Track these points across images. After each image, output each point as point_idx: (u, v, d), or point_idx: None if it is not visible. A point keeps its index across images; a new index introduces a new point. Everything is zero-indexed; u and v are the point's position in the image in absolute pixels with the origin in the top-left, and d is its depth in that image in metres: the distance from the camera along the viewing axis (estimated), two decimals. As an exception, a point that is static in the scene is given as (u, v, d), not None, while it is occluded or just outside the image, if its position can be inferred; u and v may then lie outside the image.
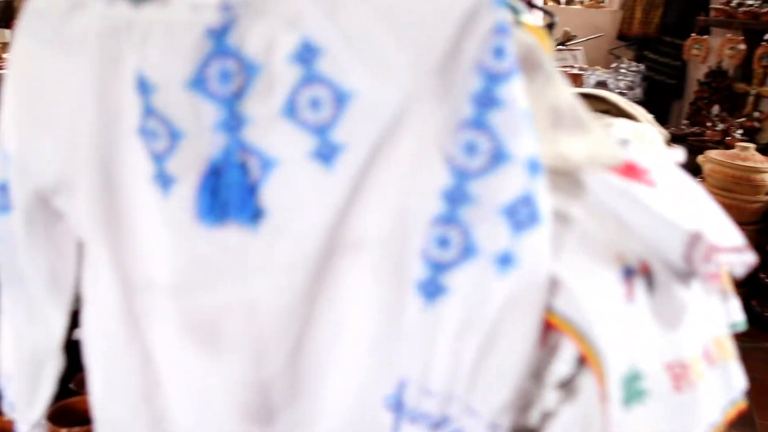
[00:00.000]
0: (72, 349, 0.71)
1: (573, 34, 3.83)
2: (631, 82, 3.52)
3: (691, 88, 3.91)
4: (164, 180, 0.58)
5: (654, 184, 0.64)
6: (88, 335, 0.66)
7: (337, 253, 0.58)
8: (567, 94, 0.61)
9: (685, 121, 3.66)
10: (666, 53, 4.16)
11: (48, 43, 0.59)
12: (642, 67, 3.73)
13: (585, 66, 3.50)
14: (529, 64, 0.60)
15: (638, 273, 0.60)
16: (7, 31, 3.73)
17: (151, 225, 0.60)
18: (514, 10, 0.65)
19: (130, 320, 0.63)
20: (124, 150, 0.59)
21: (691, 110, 3.70)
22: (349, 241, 0.57)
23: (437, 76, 0.53)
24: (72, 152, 0.59)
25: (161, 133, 0.57)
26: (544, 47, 0.68)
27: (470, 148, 0.53)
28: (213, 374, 0.62)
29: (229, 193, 0.55)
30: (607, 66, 3.69)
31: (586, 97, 1.26)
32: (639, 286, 0.60)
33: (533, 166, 0.53)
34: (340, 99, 0.54)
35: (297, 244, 0.57)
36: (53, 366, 0.69)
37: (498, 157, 0.53)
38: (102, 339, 0.64)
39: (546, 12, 1.14)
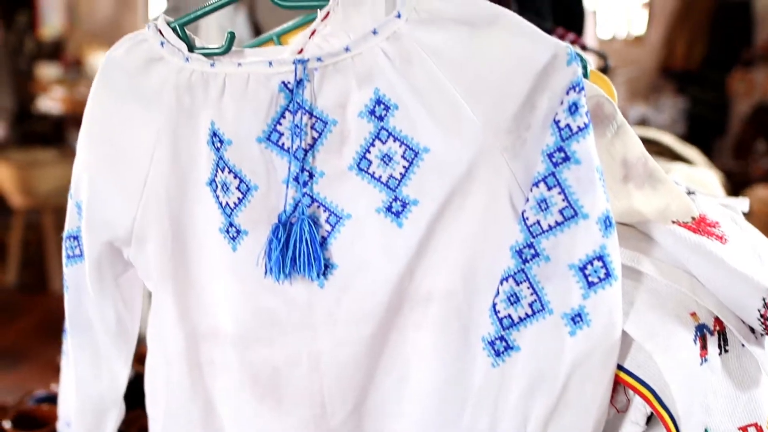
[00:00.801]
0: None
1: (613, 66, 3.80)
2: (673, 117, 3.48)
3: (735, 123, 3.85)
4: (234, 232, 0.58)
5: (725, 238, 0.63)
6: (152, 383, 0.66)
7: (405, 306, 0.57)
8: (637, 146, 0.60)
9: (729, 157, 3.60)
10: (709, 88, 4.11)
11: (124, 94, 0.60)
12: (684, 101, 3.69)
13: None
14: (599, 117, 0.60)
15: (712, 331, 0.59)
16: (55, 67, 3.84)
17: (219, 276, 0.60)
18: (582, 60, 0.65)
19: (194, 370, 0.63)
20: (194, 201, 0.59)
21: (735, 145, 3.64)
22: (416, 296, 0.57)
23: (510, 132, 0.53)
24: (144, 203, 0.60)
25: (232, 186, 0.57)
26: (612, 97, 0.68)
27: (543, 205, 0.52)
28: (275, 426, 0.61)
29: (299, 247, 0.55)
30: (648, 101, 3.66)
31: (647, 141, 1.26)
32: (713, 345, 0.58)
33: (606, 223, 0.53)
34: (412, 155, 0.54)
35: (364, 298, 0.57)
36: (114, 415, 0.70)
37: (571, 215, 0.52)
38: (165, 387, 0.64)
39: (599, 54, 1.13)
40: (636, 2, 4.75)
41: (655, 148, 1.21)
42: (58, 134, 3.72)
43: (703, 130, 4.01)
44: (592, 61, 1.24)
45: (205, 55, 0.58)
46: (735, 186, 2.51)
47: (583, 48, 1.09)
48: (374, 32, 0.53)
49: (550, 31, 1.13)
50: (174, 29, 0.59)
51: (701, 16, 4.24)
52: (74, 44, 4.31)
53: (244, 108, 0.56)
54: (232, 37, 0.58)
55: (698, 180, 1.05)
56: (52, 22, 4.05)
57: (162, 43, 0.59)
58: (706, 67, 4.17)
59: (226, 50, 0.59)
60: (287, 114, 0.55)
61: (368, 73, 0.53)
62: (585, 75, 0.66)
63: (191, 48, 0.59)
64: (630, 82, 3.87)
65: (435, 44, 0.52)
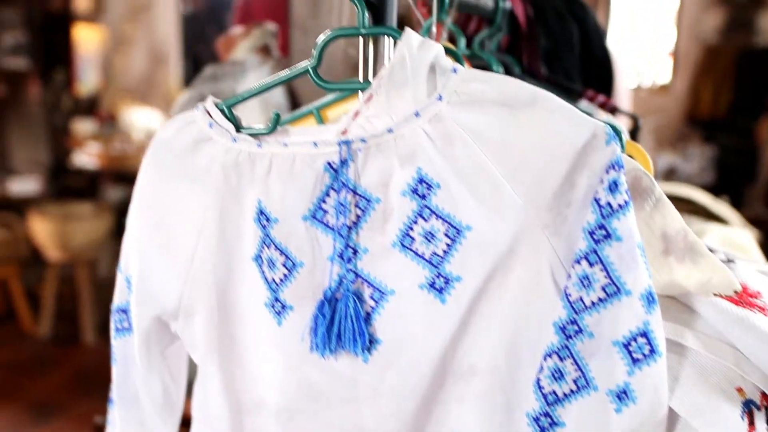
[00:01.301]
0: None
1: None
2: (702, 165, 3.46)
3: (764, 170, 3.82)
4: (279, 307, 0.59)
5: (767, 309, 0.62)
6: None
7: (448, 381, 0.58)
8: (676, 219, 0.61)
9: (760, 204, 3.56)
10: (736, 135, 4.09)
11: (173, 173, 0.62)
12: (712, 149, 3.68)
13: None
14: (637, 191, 0.60)
15: (759, 407, 0.58)
16: (90, 122, 3.95)
17: (264, 349, 0.61)
18: (617, 132, 0.66)
19: None
20: (241, 276, 0.61)
21: (765, 192, 3.61)
22: (459, 370, 0.57)
23: (551, 209, 0.53)
24: (191, 278, 0.62)
25: (278, 263, 0.59)
26: (649, 169, 0.69)
27: (585, 282, 0.53)
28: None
29: (344, 323, 0.56)
30: (675, 149, 3.65)
31: (670, 198, 1.25)
32: (760, 420, 0.57)
33: (649, 299, 0.53)
34: (455, 232, 0.55)
35: (408, 372, 0.57)
36: None
37: (613, 291, 0.53)
38: (210, 457, 0.65)
39: (631, 116, 1.15)
40: (661, 51, 4.79)
41: (688, 206, 1.21)
42: (92, 188, 3.81)
43: (733, 178, 3.98)
44: (624, 121, 1.26)
45: (252, 135, 0.61)
46: (767, 234, 2.47)
47: (614, 110, 1.11)
48: (416, 114, 0.55)
49: (580, 93, 1.15)
50: (222, 110, 0.62)
51: (726, 63, 4.25)
52: (109, 100, 4.45)
53: (290, 187, 0.58)
54: (277, 117, 0.60)
55: (735, 242, 1.04)
56: (88, 79, 4.19)
57: (210, 125, 0.61)
58: (733, 114, 4.17)
59: (272, 130, 0.61)
60: (332, 192, 0.57)
61: (411, 154, 0.55)
62: (621, 146, 0.67)
63: (238, 128, 0.61)
64: (657, 131, 3.87)
65: (475, 125, 0.54)
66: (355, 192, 0.57)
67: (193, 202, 0.61)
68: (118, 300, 0.68)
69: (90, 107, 4.27)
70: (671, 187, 1.33)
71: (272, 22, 1.61)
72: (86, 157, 3.57)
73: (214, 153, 0.61)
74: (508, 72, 0.96)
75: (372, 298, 0.57)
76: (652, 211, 0.61)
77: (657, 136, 3.94)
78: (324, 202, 0.57)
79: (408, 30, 0.56)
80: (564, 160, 0.53)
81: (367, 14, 0.59)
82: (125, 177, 3.37)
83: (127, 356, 0.68)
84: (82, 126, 3.94)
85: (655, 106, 4.23)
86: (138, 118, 4.05)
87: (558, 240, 0.54)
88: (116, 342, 0.68)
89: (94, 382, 3.08)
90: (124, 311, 0.67)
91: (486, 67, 0.90)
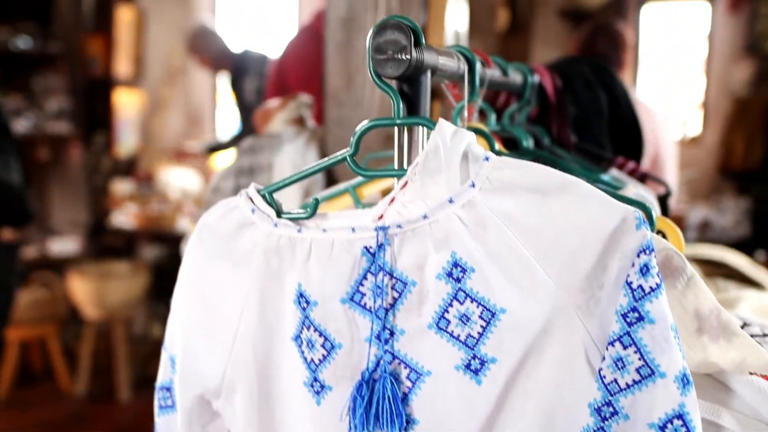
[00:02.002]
0: None
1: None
2: (736, 218, 3.43)
3: (803, 222, 3.75)
4: (318, 387, 0.61)
5: (806, 385, 0.62)
6: None
7: (484, 461, 0.58)
8: (709, 298, 0.62)
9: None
10: (771, 186, 4.05)
11: (217, 256, 0.65)
12: (746, 202, 3.64)
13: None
14: (668, 270, 0.61)
15: (801, 488, 0.57)
16: (128, 183, 4.06)
17: (303, 428, 0.62)
18: (646, 210, 0.68)
19: None
20: (281, 356, 0.63)
21: (804, 246, 3.54)
22: (496, 450, 0.58)
23: (583, 291, 0.55)
24: (233, 357, 0.64)
25: (317, 344, 0.61)
26: (680, 246, 0.70)
27: (619, 364, 0.54)
28: None
29: (381, 404, 0.58)
30: (709, 202, 3.62)
31: (704, 262, 1.25)
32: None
33: (684, 381, 0.53)
34: (489, 315, 0.56)
35: (445, 452, 0.58)
36: None
37: (648, 374, 0.53)
38: None
39: (660, 182, 1.16)
40: (690, 103, 4.79)
41: (722, 270, 1.20)
42: (129, 248, 3.89)
43: (769, 230, 3.92)
44: (655, 186, 1.26)
45: (292, 219, 0.63)
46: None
47: (644, 177, 1.12)
48: (450, 201, 0.57)
49: (610, 161, 1.16)
50: (263, 196, 0.65)
51: (757, 114, 4.24)
52: (146, 161, 4.58)
53: (329, 271, 0.60)
54: (316, 203, 0.63)
55: (772, 308, 1.03)
56: (126, 140, 4.33)
57: (252, 210, 0.64)
58: (766, 165, 4.13)
59: (311, 215, 0.63)
60: (369, 276, 0.59)
61: (445, 238, 0.57)
62: (651, 222, 0.68)
63: (279, 213, 0.64)
64: (689, 184, 3.85)
65: (508, 211, 0.56)
66: (391, 275, 0.59)
67: (236, 283, 0.64)
68: (162, 378, 0.70)
69: (128, 168, 4.40)
70: (705, 249, 1.32)
71: (307, 94, 1.67)
72: (124, 217, 3.66)
73: (256, 237, 0.63)
74: (538, 143, 0.99)
75: (409, 378, 0.59)
76: (684, 290, 0.62)
77: (690, 189, 3.91)
78: (362, 285, 0.59)
79: (441, 120, 0.59)
80: (595, 244, 0.54)
81: (401, 104, 0.62)
82: (161, 236, 3.45)
83: None
84: (121, 186, 4.05)
85: (686, 159, 4.22)
86: (174, 177, 4.16)
87: (591, 321, 0.55)
88: (160, 419, 0.70)
89: (128, 442, 3.09)
90: (168, 389, 0.70)
91: (515, 141, 0.92)
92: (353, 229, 0.60)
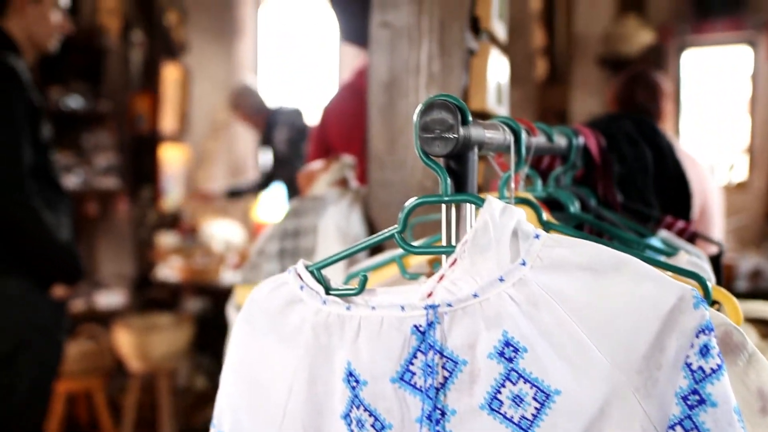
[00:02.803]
0: None
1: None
2: (790, 265, 3.31)
3: None
4: (369, 467, 0.60)
5: None
6: None
7: None
8: (771, 374, 0.59)
9: None
10: (824, 232, 3.93)
11: (266, 333, 0.65)
12: (799, 248, 3.53)
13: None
14: (729, 347, 0.60)
15: None
16: (172, 236, 4.13)
17: None
18: (702, 282, 0.66)
19: None
20: (331, 434, 0.62)
21: None
22: None
23: (641, 372, 0.53)
24: None
25: (367, 423, 0.60)
26: (738, 317, 0.68)
27: (681, 449, 0.52)
28: None
29: (435, 486, 0.57)
30: (759, 249, 3.52)
31: (759, 322, 1.21)
32: None
33: (750, 467, 0.51)
34: (543, 396, 0.55)
35: None
36: None
37: None
38: None
39: (711, 241, 1.13)
40: (735, 148, 4.71)
41: (780, 331, 1.16)
42: (174, 300, 3.94)
43: (825, 277, 3.78)
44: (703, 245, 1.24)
45: (341, 295, 0.63)
46: None
47: (694, 236, 1.10)
48: (501, 279, 0.57)
49: (658, 220, 1.14)
50: (312, 273, 0.65)
51: (806, 158, 4.14)
52: (191, 214, 4.67)
53: (378, 349, 0.60)
54: (364, 280, 0.63)
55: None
56: (172, 194, 4.43)
57: (301, 287, 0.64)
58: (819, 210, 4.01)
59: (360, 291, 0.63)
60: (419, 355, 0.59)
61: (496, 317, 0.56)
62: (707, 295, 0.66)
63: (328, 289, 0.64)
64: (737, 232, 3.76)
65: (560, 289, 0.55)
66: (442, 354, 0.58)
67: (285, 360, 0.64)
68: None
69: (173, 221, 4.49)
70: (759, 305, 1.28)
71: (349, 152, 1.69)
72: (168, 270, 3.72)
73: (305, 314, 0.64)
74: (584, 205, 0.98)
75: None
76: (746, 368, 0.60)
77: (738, 236, 3.82)
78: (411, 364, 0.59)
79: (490, 197, 0.59)
80: (652, 324, 0.53)
81: (449, 181, 0.62)
82: (205, 289, 3.49)
83: None
84: (166, 239, 4.13)
85: (733, 205, 4.12)
86: (218, 230, 4.23)
87: (650, 403, 0.53)
88: None
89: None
90: None
91: (561, 204, 0.92)
92: (402, 307, 0.59)
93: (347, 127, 2.07)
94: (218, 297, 3.64)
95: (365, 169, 1.39)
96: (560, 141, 0.94)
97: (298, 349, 0.63)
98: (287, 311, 0.65)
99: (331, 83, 5.14)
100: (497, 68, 1.34)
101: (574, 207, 0.89)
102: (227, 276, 3.59)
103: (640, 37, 4.68)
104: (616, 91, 2.64)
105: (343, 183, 1.37)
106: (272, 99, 4.34)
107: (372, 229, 1.27)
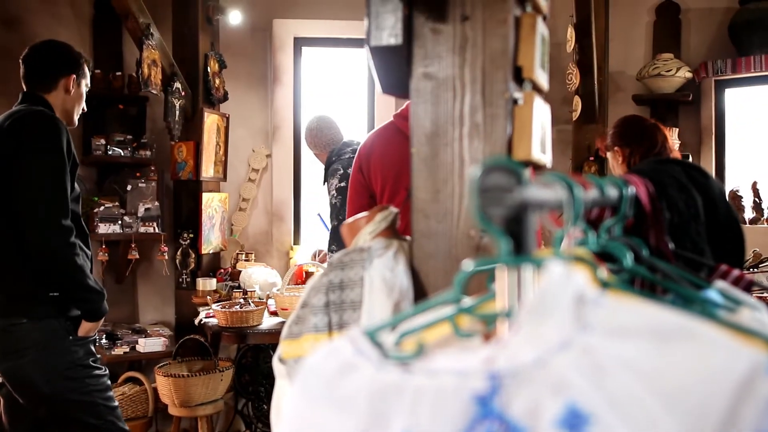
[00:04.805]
0: None
1: (765, 256, 3.63)
2: None
3: None
4: None
5: None
6: None
7: None
8: None
9: None
10: None
11: (320, 398, 0.64)
12: None
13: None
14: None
15: None
16: (212, 281, 4.16)
17: None
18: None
19: None
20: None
21: None
22: None
23: None
24: None
25: (429, 494, 0.58)
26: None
27: None
28: None
29: None
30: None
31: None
32: None
33: None
34: (613, 469, 0.53)
35: None
36: None
37: None
38: None
39: (770, 291, 1.10)
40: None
41: None
42: (214, 345, 3.95)
43: None
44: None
45: (397, 361, 0.62)
46: None
47: (750, 286, 1.07)
48: (563, 345, 0.55)
49: (711, 269, 1.11)
50: (367, 338, 0.65)
51: None
52: (229, 258, 4.71)
53: (437, 418, 0.58)
54: (421, 347, 0.62)
55: None
56: (212, 239, 4.48)
57: (356, 353, 0.64)
58: None
59: (416, 355, 0.62)
60: (480, 423, 0.57)
61: (560, 385, 0.55)
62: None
63: (383, 354, 0.63)
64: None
65: (626, 356, 0.54)
66: (504, 422, 0.56)
67: (339, 428, 0.63)
68: None
69: (213, 266, 4.53)
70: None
71: (391, 198, 1.69)
72: (208, 315, 3.74)
73: (360, 381, 0.63)
74: (637, 256, 0.96)
75: None
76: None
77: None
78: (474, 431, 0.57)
79: (551, 260, 0.58)
80: (724, 393, 0.51)
81: (507, 244, 0.61)
82: (244, 333, 3.49)
83: None
84: (205, 284, 4.16)
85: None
86: (256, 274, 4.25)
87: None
88: None
89: None
90: None
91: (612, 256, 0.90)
92: (462, 374, 0.58)
93: (391, 168, 2.07)
94: (258, 342, 3.64)
95: (409, 222, 1.39)
96: (611, 192, 0.93)
97: (353, 418, 0.62)
98: (342, 378, 0.64)
99: (368, 131, 5.19)
100: (541, 117, 1.34)
101: (628, 260, 0.87)
102: (267, 321, 3.59)
103: (677, 74, 4.64)
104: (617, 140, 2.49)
105: (387, 233, 1.37)
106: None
107: (416, 280, 1.26)
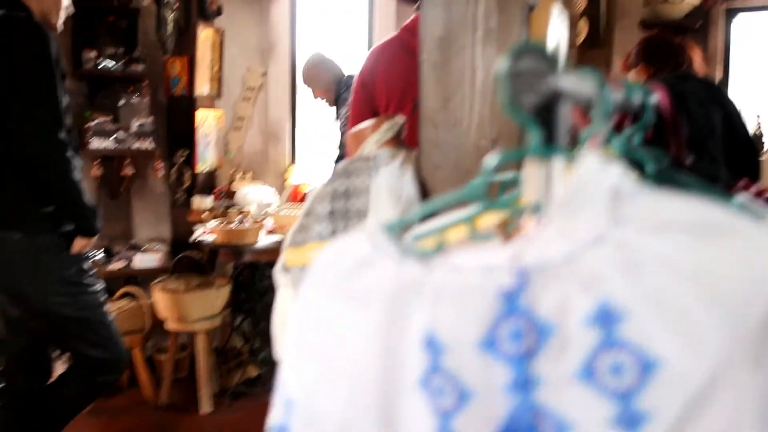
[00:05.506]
0: None
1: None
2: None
3: None
4: (448, 437, 0.57)
5: None
6: None
7: None
8: None
9: None
10: None
11: (335, 295, 0.62)
12: None
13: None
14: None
15: None
16: (208, 199, 4.14)
17: (432, 481, 0.58)
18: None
19: None
20: (404, 402, 0.59)
21: None
22: None
23: (752, 342, 0.49)
24: (354, 401, 0.61)
25: (448, 391, 0.57)
26: None
27: (798, 424, 0.48)
28: None
29: (523, 458, 0.53)
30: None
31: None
32: None
33: None
34: (646, 366, 0.51)
35: None
36: None
37: None
38: None
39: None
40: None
41: None
42: (210, 262, 3.96)
43: None
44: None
45: (418, 256, 0.60)
46: None
47: (770, 201, 1.04)
48: (598, 240, 0.52)
49: (729, 182, 1.09)
50: (385, 233, 0.62)
51: None
52: (225, 177, 4.66)
53: (461, 314, 0.56)
54: (441, 245, 0.59)
55: None
56: (207, 157, 4.42)
57: (373, 248, 0.61)
58: None
59: (437, 252, 0.60)
60: (506, 320, 0.55)
61: (593, 280, 0.52)
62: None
63: (402, 250, 0.61)
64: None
65: (664, 252, 0.51)
66: (531, 319, 0.54)
67: (356, 325, 0.61)
68: (275, 420, 0.68)
69: (209, 184, 4.49)
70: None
71: (397, 112, 1.64)
72: (204, 233, 3.72)
73: (377, 276, 0.60)
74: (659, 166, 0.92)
75: (552, 431, 0.54)
76: None
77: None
78: (498, 329, 0.55)
79: (587, 150, 0.55)
80: (765, 289, 0.49)
81: (539, 134, 0.57)
82: (240, 251, 3.49)
83: None
84: (201, 202, 4.13)
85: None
86: (252, 193, 4.22)
87: (763, 374, 0.49)
88: None
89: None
90: (283, 429, 0.67)
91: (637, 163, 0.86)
92: (487, 270, 0.56)
93: (396, 85, 2.01)
94: (255, 260, 3.64)
95: (414, 130, 1.35)
96: (635, 98, 0.89)
97: (370, 314, 0.60)
98: (358, 274, 0.61)
99: (362, 41, 5.06)
100: (557, 26, 1.28)
101: (653, 167, 0.83)
102: (264, 239, 3.58)
103: (685, 0, 4.51)
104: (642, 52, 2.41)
105: (393, 143, 1.33)
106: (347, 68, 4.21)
107: (424, 190, 1.23)
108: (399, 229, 0.63)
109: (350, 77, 3.93)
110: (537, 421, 0.54)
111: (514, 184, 0.69)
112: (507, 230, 0.81)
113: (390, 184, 1.22)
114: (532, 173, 0.59)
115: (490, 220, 0.81)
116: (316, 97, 4.19)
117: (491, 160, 0.59)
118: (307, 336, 0.64)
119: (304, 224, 1.24)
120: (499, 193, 0.71)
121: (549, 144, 0.58)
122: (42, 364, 2.57)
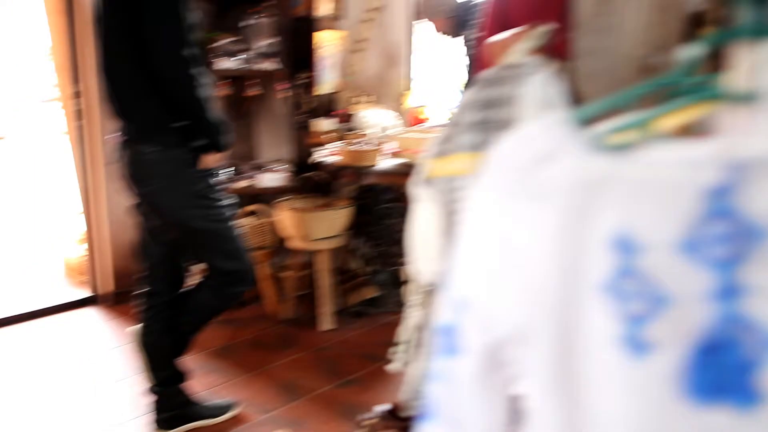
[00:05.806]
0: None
1: None
2: None
3: None
4: (637, 345, 0.53)
5: None
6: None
7: None
8: None
9: None
10: None
11: (513, 192, 0.58)
12: None
13: None
14: None
15: None
16: (329, 121, 4.17)
17: (613, 391, 0.55)
18: None
19: None
20: (585, 306, 0.56)
21: None
22: None
23: None
24: (532, 302, 0.58)
25: (640, 296, 0.52)
26: None
27: None
28: None
29: (724, 372, 0.49)
30: None
31: None
32: None
33: None
34: None
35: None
36: None
37: None
38: None
39: None
40: None
41: None
42: (332, 182, 4.03)
43: None
44: None
45: (608, 149, 0.55)
46: None
47: None
48: None
49: None
50: (570, 124, 0.57)
51: None
52: (345, 99, 4.68)
53: (657, 212, 0.51)
54: (635, 137, 0.54)
55: None
56: (327, 79, 4.43)
57: (556, 139, 0.56)
58: None
59: (630, 144, 0.54)
60: (711, 221, 0.49)
61: None
62: None
63: (590, 143, 0.56)
64: None
65: None
66: (740, 221, 0.49)
67: (536, 222, 0.57)
68: (444, 319, 0.66)
69: (328, 106, 4.52)
70: None
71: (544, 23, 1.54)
72: (326, 154, 3.77)
73: (561, 171, 0.56)
74: None
75: (757, 346, 0.49)
76: None
77: None
78: (701, 230, 0.50)
79: None
80: None
81: (752, 11, 0.50)
82: (364, 172, 3.52)
83: (453, 378, 0.65)
84: (321, 124, 4.17)
85: None
86: (372, 116, 4.21)
87: None
88: (441, 362, 0.66)
89: (334, 366, 3.27)
90: (449, 332, 0.65)
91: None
92: (691, 164, 0.50)
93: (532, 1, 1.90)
94: (376, 182, 3.67)
95: (565, 41, 1.26)
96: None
97: (552, 210, 0.56)
98: (539, 167, 0.57)
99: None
100: None
101: None
102: (385, 162, 3.59)
103: None
104: None
105: (540, 52, 1.26)
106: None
107: (577, 100, 1.15)
108: (583, 123, 0.58)
109: (469, 1, 3.79)
110: (741, 334, 0.49)
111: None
112: (694, 131, 0.73)
113: (536, 93, 1.16)
114: (741, 58, 0.52)
115: (671, 124, 0.74)
116: (438, 31, 4.07)
117: (693, 47, 0.52)
118: (481, 235, 0.61)
119: (449, 134, 1.20)
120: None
121: (764, 24, 0.50)
122: (177, 274, 2.72)
